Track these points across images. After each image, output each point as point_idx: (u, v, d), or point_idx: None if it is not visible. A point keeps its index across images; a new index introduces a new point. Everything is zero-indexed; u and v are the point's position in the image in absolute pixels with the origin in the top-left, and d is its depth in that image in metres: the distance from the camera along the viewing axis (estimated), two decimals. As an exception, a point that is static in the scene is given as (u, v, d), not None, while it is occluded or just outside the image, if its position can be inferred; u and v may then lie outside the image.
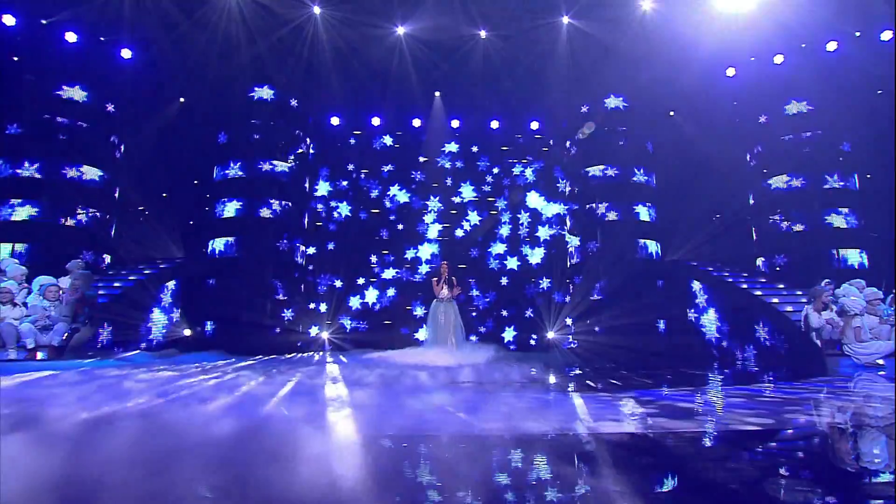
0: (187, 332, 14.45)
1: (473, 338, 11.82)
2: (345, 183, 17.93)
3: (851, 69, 15.22)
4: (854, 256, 14.34)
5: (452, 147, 18.32)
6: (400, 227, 17.82)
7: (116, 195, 15.64)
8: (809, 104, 15.68)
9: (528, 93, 17.43)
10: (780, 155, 15.87)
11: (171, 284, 15.04)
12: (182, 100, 17.36)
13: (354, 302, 17.18)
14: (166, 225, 16.68)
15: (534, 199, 18.20)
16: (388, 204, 17.87)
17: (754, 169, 16.59)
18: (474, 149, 18.36)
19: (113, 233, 15.43)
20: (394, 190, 17.92)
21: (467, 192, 18.09)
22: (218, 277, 15.19)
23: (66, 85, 14.65)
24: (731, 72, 17.19)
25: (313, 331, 16.44)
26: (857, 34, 15.22)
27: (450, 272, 11.15)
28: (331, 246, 17.47)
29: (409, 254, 17.68)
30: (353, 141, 18.23)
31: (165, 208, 16.91)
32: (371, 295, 17.27)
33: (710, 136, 16.93)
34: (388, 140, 18.26)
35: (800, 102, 15.80)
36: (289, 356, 12.17)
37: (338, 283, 17.18)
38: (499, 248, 17.91)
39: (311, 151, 17.67)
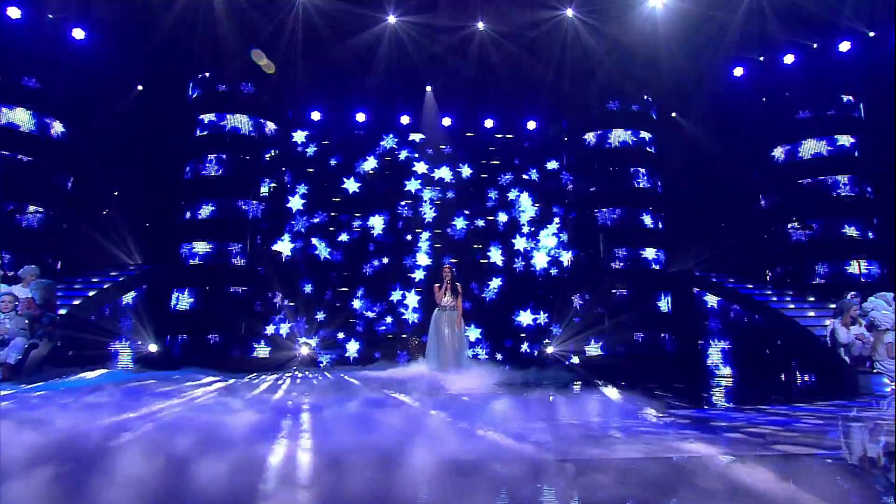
0: (153, 348, 13.72)
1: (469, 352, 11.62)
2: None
3: (865, 70, 15.41)
4: (873, 267, 14.41)
5: (445, 173, 17.73)
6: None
7: (69, 188, 14.79)
8: (821, 106, 15.77)
9: (527, 90, 17.18)
10: (792, 159, 15.92)
11: (131, 295, 14.30)
12: (140, 87, 16.61)
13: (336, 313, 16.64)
14: (128, 226, 15.87)
15: (529, 213, 17.85)
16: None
17: (763, 175, 16.63)
18: (467, 171, 17.80)
19: (65, 233, 14.48)
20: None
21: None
22: (189, 286, 14.51)
23: (8, 66, 13.74)
24: (738, 71, 17.29)
25: (300, 348, 15.82)
26: (872, 34, 15.41)
27: (454, 276, 10.65)
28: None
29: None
30: (333, 158, 17.59)
31: (127, 208, 16.09)
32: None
33: (717, 139, 16.96)
34: (372, 163, 17.54)
35: (811, 104, 15.87)
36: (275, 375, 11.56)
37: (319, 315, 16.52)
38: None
39: (287, 170, 17.04)
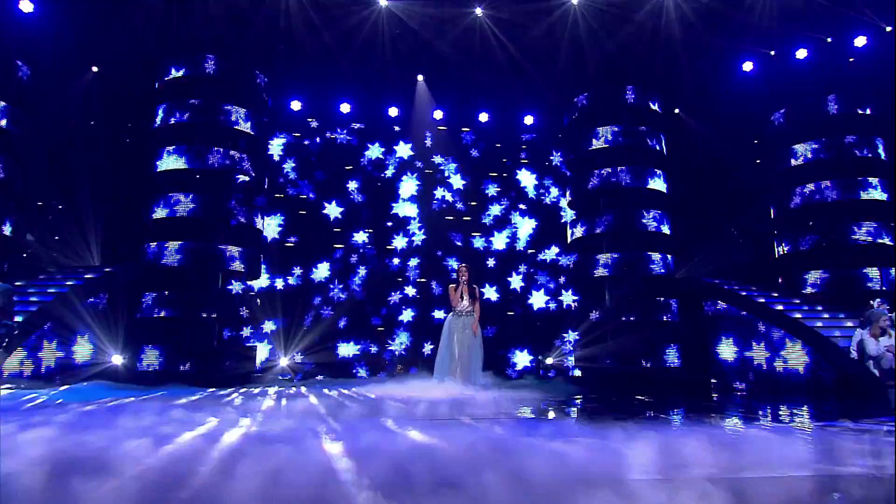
0: (117, 360, 13.02)
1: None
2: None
3: (882, 66, 15.49)
4: (892, 274, 14.44)
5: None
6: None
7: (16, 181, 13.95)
8: (837, 104, 15.81)
9: (527, 82, 16.91)
10: (806, 161, 15.92)
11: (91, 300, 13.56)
12: (95, 69, 15.85)
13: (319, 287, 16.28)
14: (84, 224, 15.13)
15: (526, 222, 17.58)
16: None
17: (776, 175, 16.62)
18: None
19: (10, 232, 13.61)
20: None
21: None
22: (157, 291, 13.84)
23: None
24: (747, 66, 17.29)
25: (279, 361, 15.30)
26: (889, 29, 15.53)
27: (471, 277, 10.17)
28: (292, 281, 16.23)
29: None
30: (313, 139, 17.02)
31: (82, 204, 15.33)
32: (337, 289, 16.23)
33: (725, 137, 16.92)
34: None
35: (826, 102, 15.89)
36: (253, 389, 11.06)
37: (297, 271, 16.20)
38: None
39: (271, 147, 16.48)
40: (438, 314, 15.80)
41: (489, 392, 8.63)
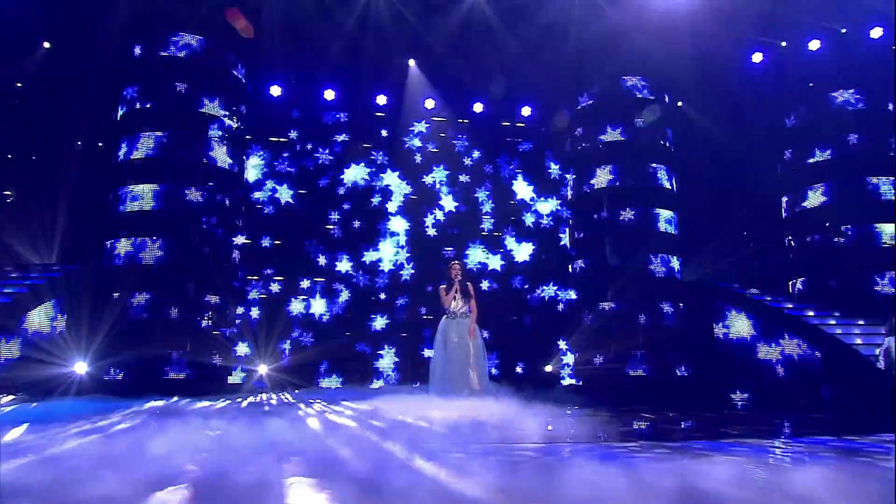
0: (81, 369, 12.32)
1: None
2: (287, 170, 16.36)
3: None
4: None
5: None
6: (356, 223, 16.46)
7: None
8: (850, 98, 15.70)
9: (525, 72, 16.56)
10: (820, 159, 15.79)
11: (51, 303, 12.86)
12: (47, 45, 15.07)
13: (297, 307, 15.84)
14: (37, 218, 14.41)
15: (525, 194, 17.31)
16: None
17: (786, 174, 16.48)
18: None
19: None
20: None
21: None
22: (125, 292, 13.17)
23: None
24: (757, 57, 17.13)
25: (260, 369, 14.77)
26: (907, 21, 15.45)
27: (464, 275, 9.65)
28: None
29: (368, 256, 16.42)
30: (293, 147, 16.61)
31: (34, 196, 14.59)
32: (318, 305, 15.84)
33: (734, 134, 16.74)
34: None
35: (841, 97, 15.77)
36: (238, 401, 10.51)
37: (274, 287, 15.82)
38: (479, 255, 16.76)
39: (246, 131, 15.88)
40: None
41: (522, 406, 8.06)
